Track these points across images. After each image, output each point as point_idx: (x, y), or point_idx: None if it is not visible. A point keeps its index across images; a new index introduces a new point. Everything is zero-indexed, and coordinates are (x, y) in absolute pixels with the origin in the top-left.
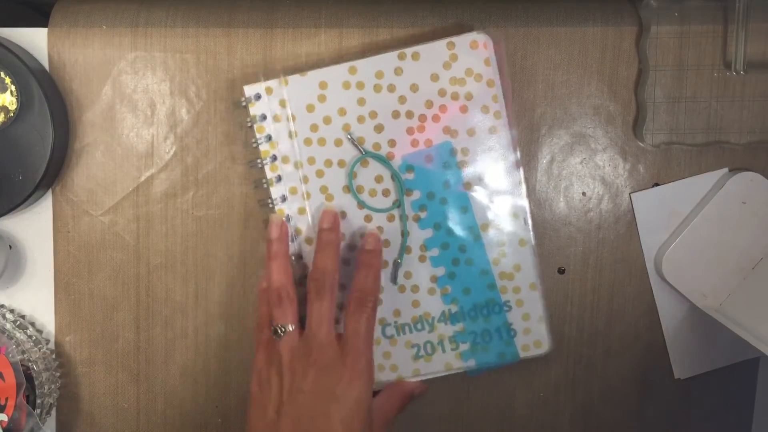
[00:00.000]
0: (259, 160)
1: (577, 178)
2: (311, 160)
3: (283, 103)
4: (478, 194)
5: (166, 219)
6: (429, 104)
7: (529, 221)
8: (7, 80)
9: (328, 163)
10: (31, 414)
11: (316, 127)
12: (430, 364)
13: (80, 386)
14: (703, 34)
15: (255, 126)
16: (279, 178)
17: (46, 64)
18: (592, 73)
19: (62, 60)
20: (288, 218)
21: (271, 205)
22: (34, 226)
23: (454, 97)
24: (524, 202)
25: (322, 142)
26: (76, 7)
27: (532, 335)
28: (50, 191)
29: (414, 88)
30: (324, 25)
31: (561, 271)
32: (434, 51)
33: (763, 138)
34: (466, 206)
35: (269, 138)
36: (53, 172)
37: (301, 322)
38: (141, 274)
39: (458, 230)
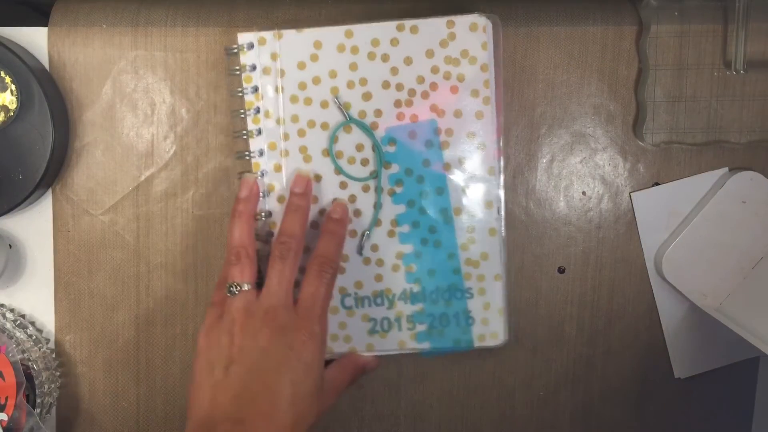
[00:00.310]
0: (242, 111)
1: (577, 178)
2: (294, 118)
3: (274, 56)
4: (456, 177)
5: (166, 218)
6: (420, 80)
7: (503, 212)
8: (8, 79)
9: (311, 123)
10: (31, 413)
11: (305, 85)
12: (384, 340)
13: (80, 385)
14: (703, 33)
15: (243, 75)
16: (259, 132)
17: (46, 64)
18: (592, 72)
19: (62, 59)
20: (263, 173)
21: (248, 157)
22: (34, 225)
23: (447, 76)
24: (500, 192)
25: (308, 101)
26: (76, 6)
27: (490, 326)
28: (50, 190)
29: (408, 61)
30: (324, 24)
31: (561, 271)
32: (433, 27)
33: (763, 137)
34: (442, 187)
35: (256, 89)
36: (53, 172)
37: (260, 284)
38: (141, 274)
39: (431, 210)
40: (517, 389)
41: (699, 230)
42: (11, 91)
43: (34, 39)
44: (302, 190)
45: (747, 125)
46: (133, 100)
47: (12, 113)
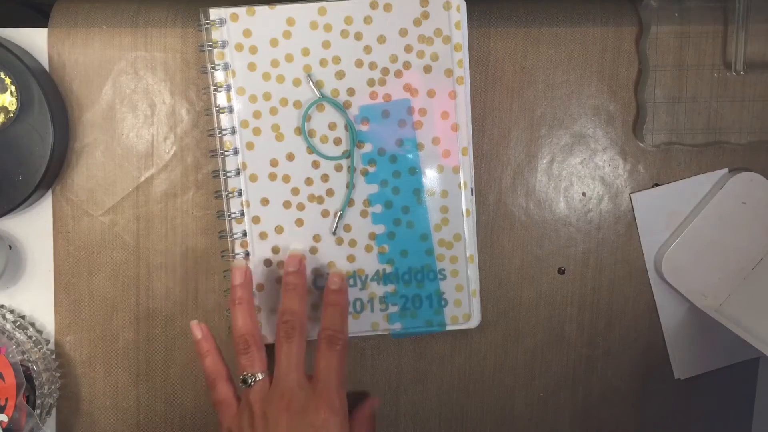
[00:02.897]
0: (213, 87)
1: (577, 179)
2: (266, 96)
3: (247, 33)
4: (429, 157)
5: (166, 219)
6: (393, 59)
7: (474, 193)
8: (7, 80)
9: (284, 101)
10: (31, 414)
11: (277, 63)
12: (357, 322)
13: (80, 386)
14: (703, 34)
15: (215, 51)
16: (231, 109)
17: (46, 65)
18: (592, 73)
19: (62, 60)
20: (235, 151)
21: (219, 135)
22: (34, 226)
23: (420, 55)
24: (473, 172)
25: (280, 79)
26: (75, 7)
27: (463, 308)
28: (50, 191)
29: (381, 39)
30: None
31: (561, 272)
32: (407, 5)
33: (763, 138)
34: (415, 168)
35: (227, 66)
36: (53, 173)
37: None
38: (141, 274)
39: (404, 191)
40: (517, 389)
41: (699, 231)
42: (11, 92)
43: (34, 40)
44: (296, 268)
45: (747, 126)
46: (133, 101)
47: (12, 114)
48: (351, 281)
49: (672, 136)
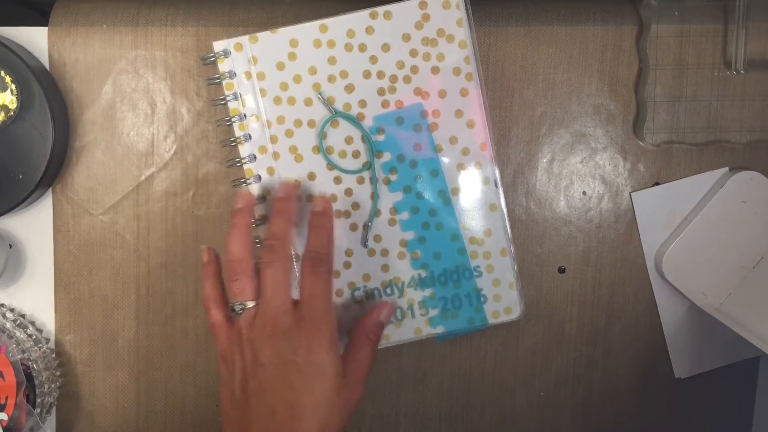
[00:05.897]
0: (227, 118)
1: (578, 177)
2: (280, 120)
3: (253, 60)
4: (449, 157)
5: (166, 218)
6: (400, 65)
7: (500, 186)
8: (8, 79)
9: (298, 123)
10: (31, 413)
11: (286, 85)
12: (399, 329)
13: (80, 385)
14: (703, 33)
15: (224, 83)
16: (248, 137)
17: (46, 63)
18: (592, 72)
19: (62, 59)
20: (258, 178)
21: (239, 164)
22: (35, 225)
23: (426, 58)
24: (495, 167)
25: (291, 101)
26: (76, 6)
27: (503, 301)
28: (50, 190)
29: (385, 48)
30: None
31: (561, 271)
32: (406, 10)
33: (763, 137)
34: (436, 169)
35: (238, 96)
36: (53, 171)
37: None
38: (141, 273)
39: (428, 194)
40: (517, 389)
41: (699, 230)
42: (11, 90)
43: (34, 39)
44: (285, 194)
45: (747, 125)
46: (133, 100)
47: (12, 113)
48: (388, 290)
49: (672, 134)
